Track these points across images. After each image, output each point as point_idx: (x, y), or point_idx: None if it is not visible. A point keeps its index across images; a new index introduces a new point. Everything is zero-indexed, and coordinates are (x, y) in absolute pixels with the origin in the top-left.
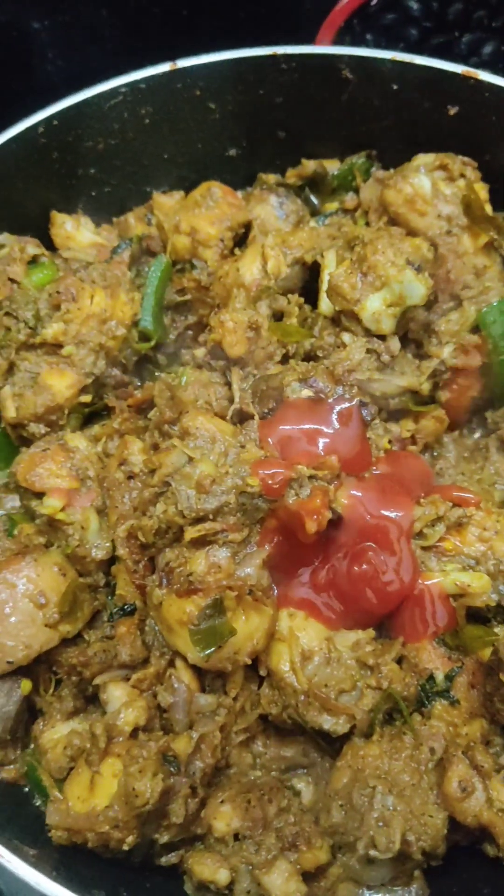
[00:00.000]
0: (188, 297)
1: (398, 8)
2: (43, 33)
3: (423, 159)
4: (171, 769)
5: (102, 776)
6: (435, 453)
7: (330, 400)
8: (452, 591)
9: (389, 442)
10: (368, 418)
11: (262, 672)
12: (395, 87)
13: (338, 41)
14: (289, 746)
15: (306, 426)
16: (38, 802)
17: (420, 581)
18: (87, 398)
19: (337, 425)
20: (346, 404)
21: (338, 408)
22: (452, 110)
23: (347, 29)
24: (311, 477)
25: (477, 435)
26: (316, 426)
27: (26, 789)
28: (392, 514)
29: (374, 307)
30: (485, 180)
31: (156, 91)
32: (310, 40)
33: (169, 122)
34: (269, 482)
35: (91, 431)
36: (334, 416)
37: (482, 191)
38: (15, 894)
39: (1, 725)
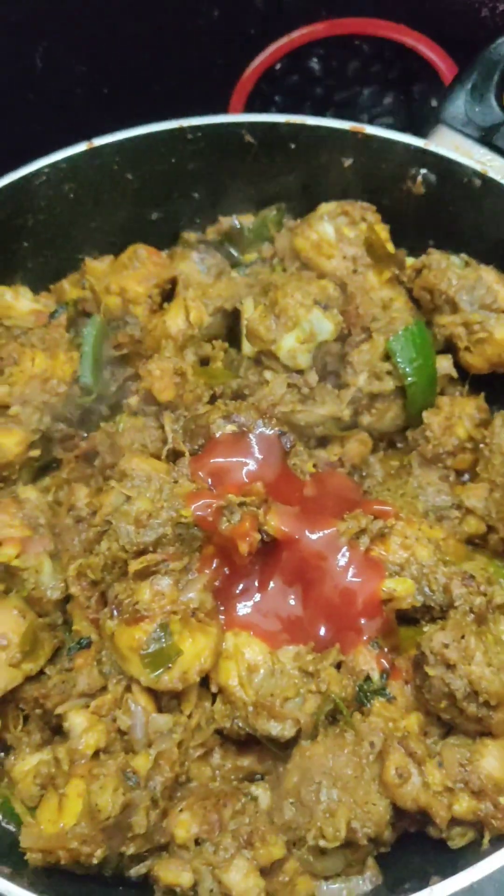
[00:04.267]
0: (125, 351)
1: (301, 69)
2: None
3: (326, 208)
4: (131, 784)
5: (68, 797)
6: (364, 473)
7: (251, 433)
8: (381, 598)
9: (315, 466)
10: (288, 446)
11: (214, 689)
12: (292, 146)
13: (249, 104)
14: (245, 757)
15: (232, 458)
16: (14, 830)
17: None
18: (35, 453)
19: (259, 455)
20: (266, 436)
21: (259, 439)
22: (347, 162)
23: (258, 93)
24: (240, 504)
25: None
26: (240, 458)
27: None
28: (318, 533)
29: (289, 345)
30: (384, 221)
31: (76, 169)
32: (224, 106)
33: (92, 195)
34: (202, 514)
35: (43, 483)
36: (256, 447)
37: (383, 231)
38: None
39: None
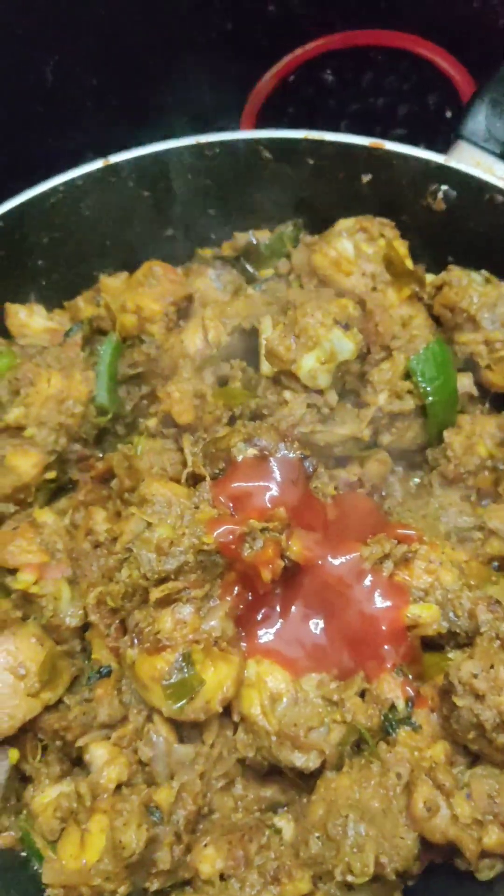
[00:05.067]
0: (140, 369)
1: (315, 81)
2: None
3: (344, 224)
4: (155, 819)
5: (91, 833)
6: (383, 493)
7: (273, 456)
8: (406, 624)
9: (336, 489)
10: (311, 469)
11: (236, 718)
12: (311, 161)
13: (261, 118)
14: (268, 787)
15: (254, 483)
16: (36, 866)
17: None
18: (51, 475)
19: (281, 479)
20: (289, 459)
21: (281, 462)
22: (366, 178)
23: (270, 105)
24: (262, 529)
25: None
26: (262, 482)
27: (23, 854)
28: (341, 558)
29: (309, 365)
30: (403, 237)
31: (92, 186)
32: (236, 118)
33: (107, 213)
34: (224, 540)
35: (59, 505)
36: (279, 471)
37: (402, 247)
38: None
39: None
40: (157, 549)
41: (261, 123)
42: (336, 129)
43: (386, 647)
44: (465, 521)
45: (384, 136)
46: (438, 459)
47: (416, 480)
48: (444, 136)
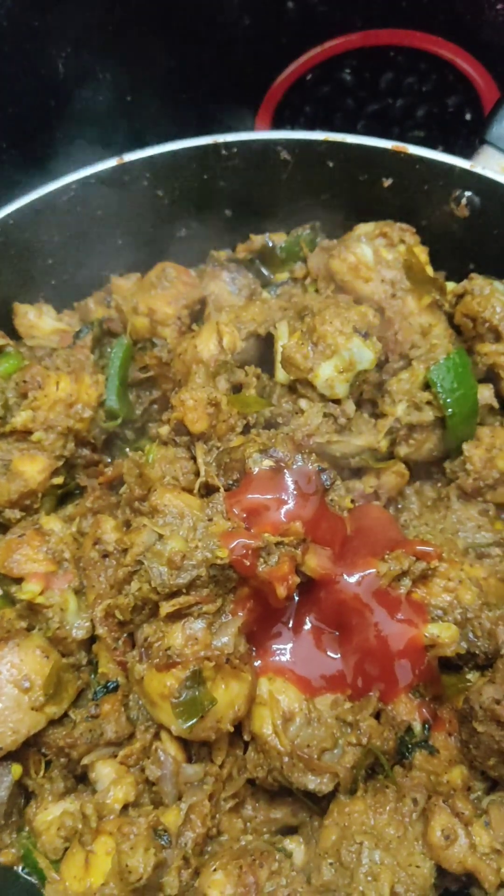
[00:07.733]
0: (151, 373)
1: (333, 80)
2: None
3: (364, 229)
4: (163, 842)
5: (96, 855)
6: (399, 506)
7: (290, 468)
8: (423, 643)
9: (352, 501)
10: (328, 483)
11: (246, 737)
12: (330, 164)
13: (277, 116)
14: (278, 808)
15: (269, 496)
16: (37, 883)
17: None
18: (58, 480)
19: (298, 492)
20: (306, 472)
21: (298, 476)
22: (387, 182)
23: (287, 103)
24: (277, 544)
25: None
26: (278, 495)
27: (23, 870)
28: (357, 574)
29: (327, 374)
30: (424, 244)
31: (105, 185)
32: (251, 116)
33: (120, 212)
34: (239, 555)
35: (65, 512)
36: (295, 484)
37: (422, 254)
38: None
39: None
40: (168, 563)
41: (276, 123)
42: (353, 129)
43: (403, 667)
44: (483, 536)
45: (402, 137)
46: (457, 472)
47: (434, 494)
48: (463, 138)
